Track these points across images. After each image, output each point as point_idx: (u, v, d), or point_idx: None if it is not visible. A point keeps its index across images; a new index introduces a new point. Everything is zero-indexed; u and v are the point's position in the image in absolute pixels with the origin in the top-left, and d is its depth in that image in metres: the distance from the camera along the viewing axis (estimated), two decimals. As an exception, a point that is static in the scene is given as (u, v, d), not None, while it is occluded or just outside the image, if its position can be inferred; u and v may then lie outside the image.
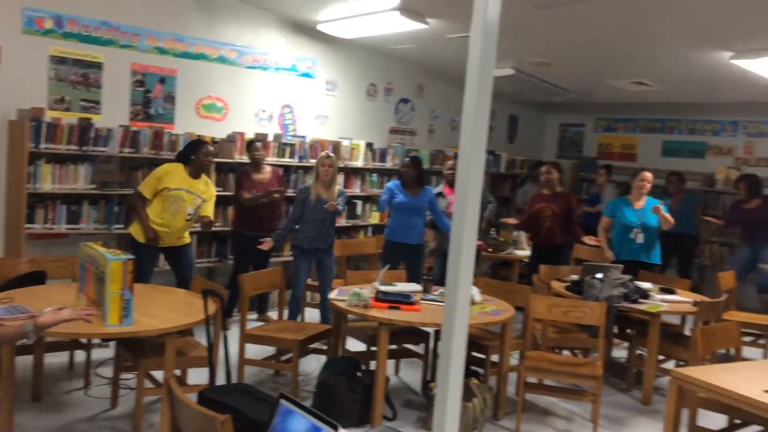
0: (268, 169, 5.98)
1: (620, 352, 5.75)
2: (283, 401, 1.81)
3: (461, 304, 3.17)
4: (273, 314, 6.11)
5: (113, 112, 5.61)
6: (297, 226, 5.35)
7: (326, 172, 5.30)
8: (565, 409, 4.49)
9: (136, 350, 3.62)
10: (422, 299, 4.28)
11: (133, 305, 3.10)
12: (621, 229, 5.77)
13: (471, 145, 3.12)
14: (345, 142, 7.11)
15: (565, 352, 5.20)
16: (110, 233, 5.40)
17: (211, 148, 5.04)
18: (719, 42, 5.21)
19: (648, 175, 5.75)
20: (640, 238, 5.70)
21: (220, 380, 3.42)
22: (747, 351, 5.39)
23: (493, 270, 8.19)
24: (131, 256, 3.07)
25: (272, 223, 5.82)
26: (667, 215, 5.55)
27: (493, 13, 2.94)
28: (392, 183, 5.81)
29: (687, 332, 5.30)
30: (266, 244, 5.26)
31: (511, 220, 7.13)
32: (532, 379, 4.56)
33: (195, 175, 4.95)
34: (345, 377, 3.95)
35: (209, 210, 5.00)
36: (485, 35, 3.02)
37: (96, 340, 4.66)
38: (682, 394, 3.31)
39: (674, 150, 8.89)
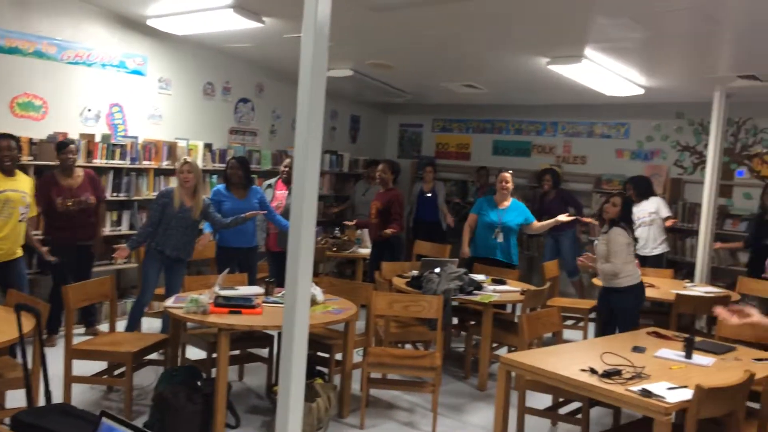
0: (80, 173, 5.49)
1: (460, 343, 6.04)
2: (104, 419, 1.70)
3: (301, 305, 3.16)
4: (105, 327, 5.73)
5: None
6: (151, 230, 5.01)
7: (186, 179, 5.03)
8: (408, 401, 4.63)
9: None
10: (264, 302, 4.21)
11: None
12: (483, 227, 6.05)
13: (306, 145, 3.12)
14: (182, 143, 6.83)
15: (408, 346, 5.36)
16: None
17: (6, 143, 4.60)
18: (536, 49, 5.63)
19: (506, 175, 6.05)
20: (500, 237, 6.01)
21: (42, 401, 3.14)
22: (569, 334, 5.85)
23: (339, 269, 8.27)
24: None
25: (87, 230, 5.45)
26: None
27: (324, 14, 2.96)
28: (217, 189, 5.67)
29: (517, 320, 5.67)
30: (121, 251, 4.92)
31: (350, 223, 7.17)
32: (376, 375, 4.66)
33: (6, 173, 4.56)
34: (184, 387, 3.79)
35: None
36: (316, 35, 3.03)
37: None
38: (510, 377, 3.53)
39: (503, 149, 9.48)
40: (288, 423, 3.16)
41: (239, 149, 7.59)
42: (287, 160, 6.24)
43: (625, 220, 4.88)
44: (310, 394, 3.91)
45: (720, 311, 2.93)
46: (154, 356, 4.41)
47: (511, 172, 6.14)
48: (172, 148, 6.70)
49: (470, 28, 5.20)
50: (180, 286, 5.03)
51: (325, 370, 4.45)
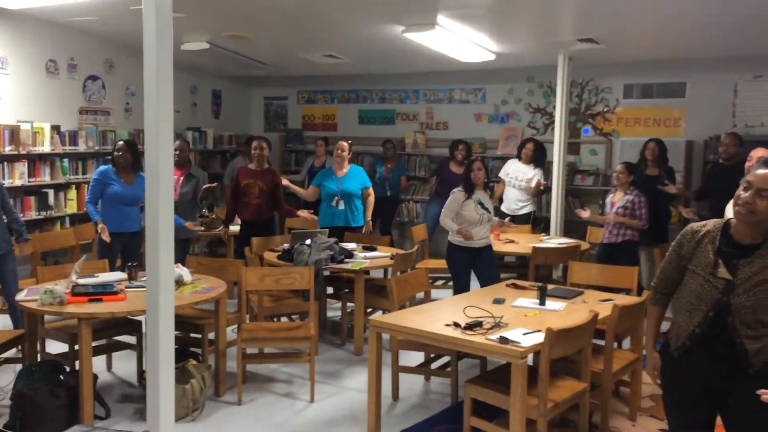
0: None
1: (336, 312, 6.12)
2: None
3: (164, 287, 3.10)
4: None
5: None
6: None
7: None
8: (286, 373, 4.66)
9: None
10: (128, 287, 4.06)
11: None
12: (325, 197, 6.13)
13: (157, 123, 3.02)
14: (25, 126, 6.34)
15: (284, 319, 5.38)
16: None
17: None
18: (391, 17, 5.72)
19: (343, 144, 6.16)
20: (341, 205, 6.10)
21: None
22: (441, 293, 6.09)
23: (210, 248, 8.08)
24: None
25: None
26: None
27: (165, -16, 2.86)
28: (101, 170, 5.33)
29: (389, 283, 5.84)
30: None
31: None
32: (252, 350, 4.65)
33: None
34: (45, 383, 3.60)
35: None
36: (158, 5, 2.92)
37: None
38: (382, 339, 3.64)
39: (369, 118, 9.60)
40: (159, 407, 3.11)
41: (91, 130, 7.16)
42: (177, 142, 5.92)
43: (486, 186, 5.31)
44: (183, 376, 3.85)
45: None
46: (11, 354, 4.15)
47: (350, 141, 6.27)
48: (14, 131, 6.21)
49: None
50: (15, 280, 4.73)
51: (198, 350, 4.38)
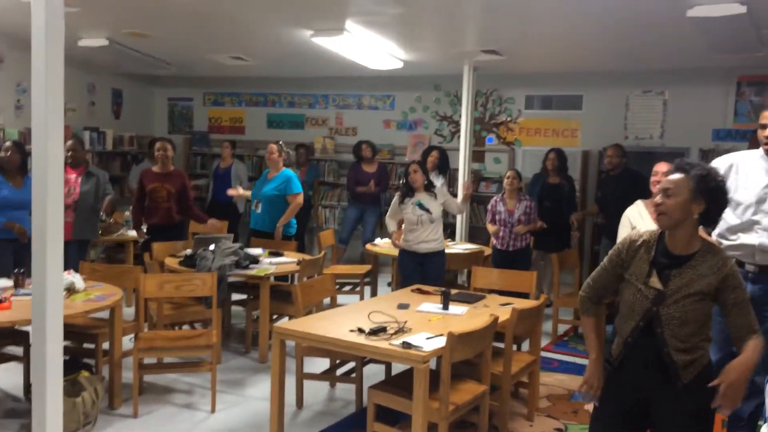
0: None
1: (241, 319, 5.99)
2: None
3: (52, 295, 2.92)
4: None
5: None
6: None
7: None
8: (187, 383, 4.51)
9: None
10: (14, 296, 3.81)
11: None
12: (253, 200, 6.07)
13: (46, 123, 2.85)
14: None
15: (187, 327, 5.21)
16: None
17: None
18: (300, 21, 5.67)
19: (272, 146, 6.06)
20: (258, 208, 6.01)
21: None
22: (347, 298, 6.08)
23: (108, 254, 7.73)
24: None
25: None
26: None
27: (54, -24, 2.72)
28: None
29: (295, 289, 5.77)
30: None
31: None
32: (151, 360, 4.48)
33: None
34: None
35: None
36: (49, 0, 2.77)
37: None
38: (286, 346, 3.59)
39: (278, 122, 9.49)
40: (46, 422, 2.93)
41: (-23, 128, 6.71)
42: (70, 142, 5.61)
43: (431, 184, 5.29)
44: (74, 389, 3.65)
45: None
46: None
47: (279, 142, 6.18)
48: None
49: (231, -2, 5.08)
50: None
51: (92, 361, 4.18)
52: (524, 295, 4.61)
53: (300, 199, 6.03)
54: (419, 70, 7.71)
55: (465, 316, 3.85)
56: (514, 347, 4.11)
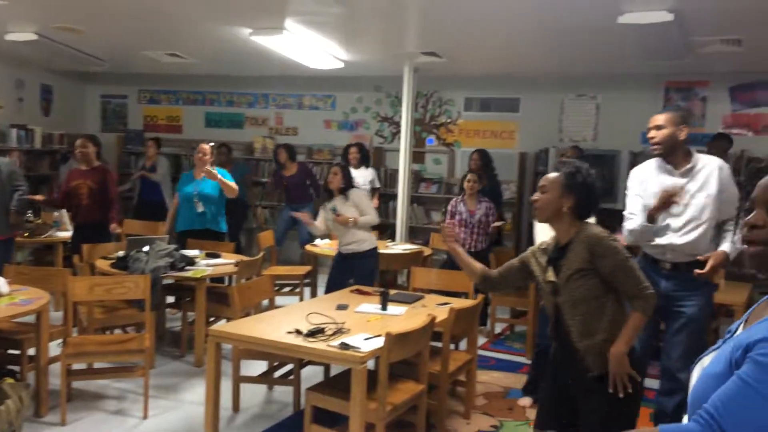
0: None
1: (176, 322, 5.86)
2: None
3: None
4: None
5: None
6: None
7: None
8: (118, 389, 4.37)
9: None
10: (-70, 301, 3.62)
11: None
12: (183, 200, 5.91)
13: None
14: None
15: (119, 331, 5.06)
16: None
17: None
18: (238, 19, 5.59)
19: (205, 147, 5.92)
20: (200, 207, 5.88)
21: None
22: (287, 300, 6.02)
23: (36, 256, 7.43)
24: None
25: None
26: (229, 182, 5.80)
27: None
28: None
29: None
30: None
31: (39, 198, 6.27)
32: (80, 366, 4.32)
33: None
34: None
35: None
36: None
37: None
38: (221, 349, 3.52)
39: (216, 121, 9.33)
40: (-36, 433, 2.79)
41: None
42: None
43: (350, 187, 5.20)
44: (-3, 398, 3.48)
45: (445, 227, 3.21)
46: None
47: (212, 144, 6.08)
48: None
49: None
50: None
51: (17, 368, 4.00)
52: (464, 295, 4.66)
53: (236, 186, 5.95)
54: (360, 70, 7.71)
55: (403, 317, 3.86)
56: (452, 346, 4.15)
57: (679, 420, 3.42)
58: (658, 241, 3.43)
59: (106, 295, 4.18)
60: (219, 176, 5.66)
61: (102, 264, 5.04)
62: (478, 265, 2.96)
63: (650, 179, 3.46)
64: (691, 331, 3.38)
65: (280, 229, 7.86)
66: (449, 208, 6.08)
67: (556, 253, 2.65)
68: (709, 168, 3.36)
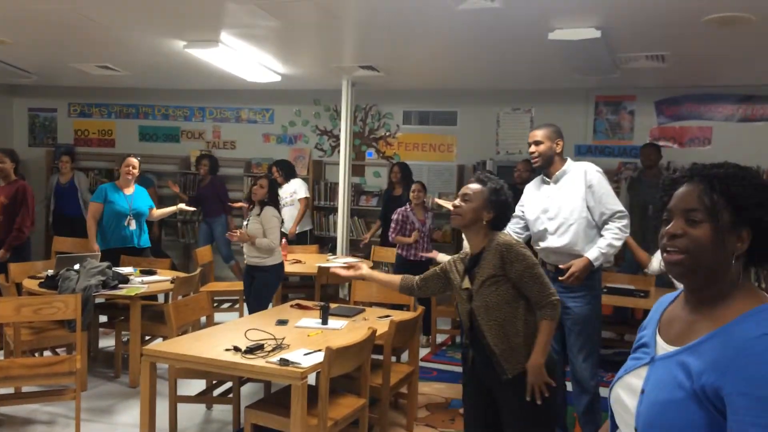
0: None
1: (110, 341, 5.67)
2: None
3: None
4: None
5: None
6: None
7: None
8: (48, 413, 4.20)
9: None
10: None
11: None
12: (113, 216, 5.71)
13: None
14: None
15: (48, 353, 4.86)
16: None
17: None
18: (172, 31, 5.49)
19: (133, 161, 5.85)
20: (132, 225, 5.74)
21: None
22: (225, 316, 5.91)
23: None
24: None
25: None
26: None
27: None
28: None
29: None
30: None
31: None
32: (8, 390, 4.13)
33: None
34: None
35: None
36: None
37: None
38: (156, 369, 3.43)
39: (151, 135, 9.11)
40: None
41: None
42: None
43: (273, 201, 5.19)
44: None
45: (334, 269, 3.26)
46: None
47: (139, 159, 5.96)
48: None
49: (95, 4, 4.83)
50: None
51: (-64, 396, 3.79)
52: (405, 307, 4.68)
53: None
54: (298, 84, 7.68)
55: (344, 330, 3.85)
56: (394, 358, 4.16)
57: (597, 415, 3.66)
58: (541, 244, 3.68)
59: (34, 316, 4.01)
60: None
61: (29, 284, 4.85)
62: (395, 277, 3.12)
63: (532, 191, 3.81)
64: (581, 330, 3.57)
65: (201, 244, 7.72)
66: (398, 217, 6.12)
67: (471, 262, 2.79)
68: (576, 172, 3.63)
